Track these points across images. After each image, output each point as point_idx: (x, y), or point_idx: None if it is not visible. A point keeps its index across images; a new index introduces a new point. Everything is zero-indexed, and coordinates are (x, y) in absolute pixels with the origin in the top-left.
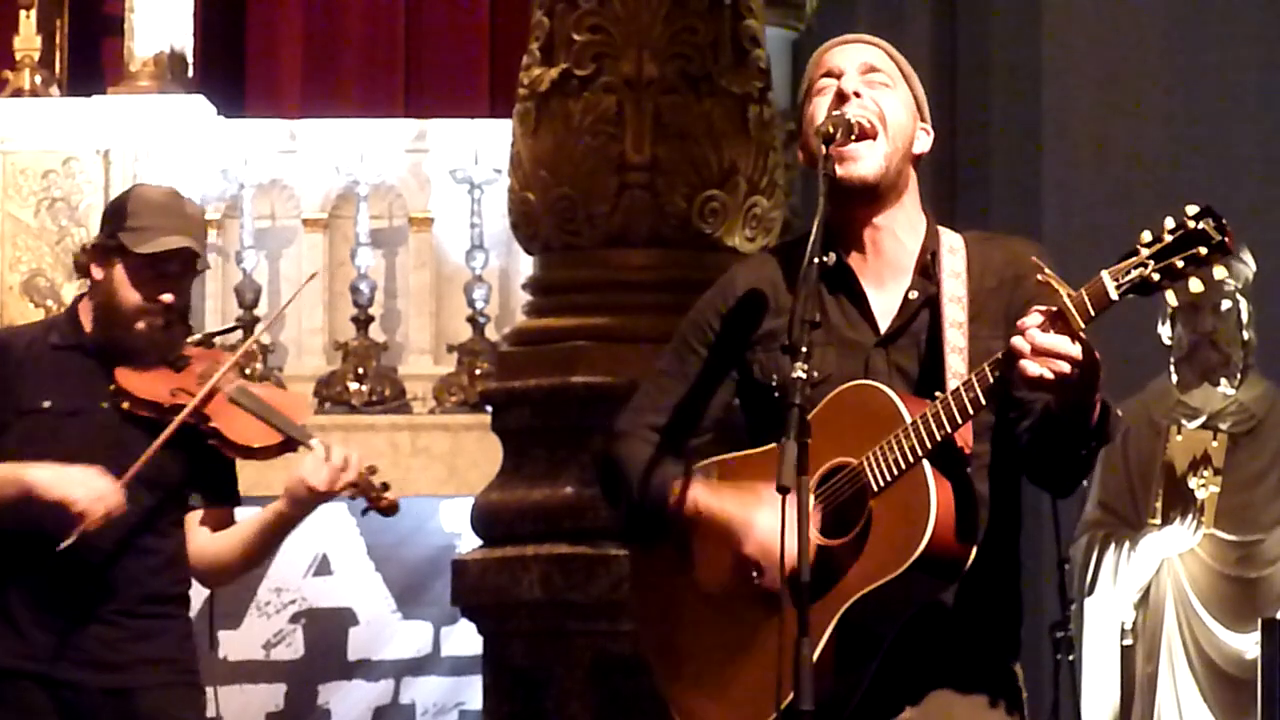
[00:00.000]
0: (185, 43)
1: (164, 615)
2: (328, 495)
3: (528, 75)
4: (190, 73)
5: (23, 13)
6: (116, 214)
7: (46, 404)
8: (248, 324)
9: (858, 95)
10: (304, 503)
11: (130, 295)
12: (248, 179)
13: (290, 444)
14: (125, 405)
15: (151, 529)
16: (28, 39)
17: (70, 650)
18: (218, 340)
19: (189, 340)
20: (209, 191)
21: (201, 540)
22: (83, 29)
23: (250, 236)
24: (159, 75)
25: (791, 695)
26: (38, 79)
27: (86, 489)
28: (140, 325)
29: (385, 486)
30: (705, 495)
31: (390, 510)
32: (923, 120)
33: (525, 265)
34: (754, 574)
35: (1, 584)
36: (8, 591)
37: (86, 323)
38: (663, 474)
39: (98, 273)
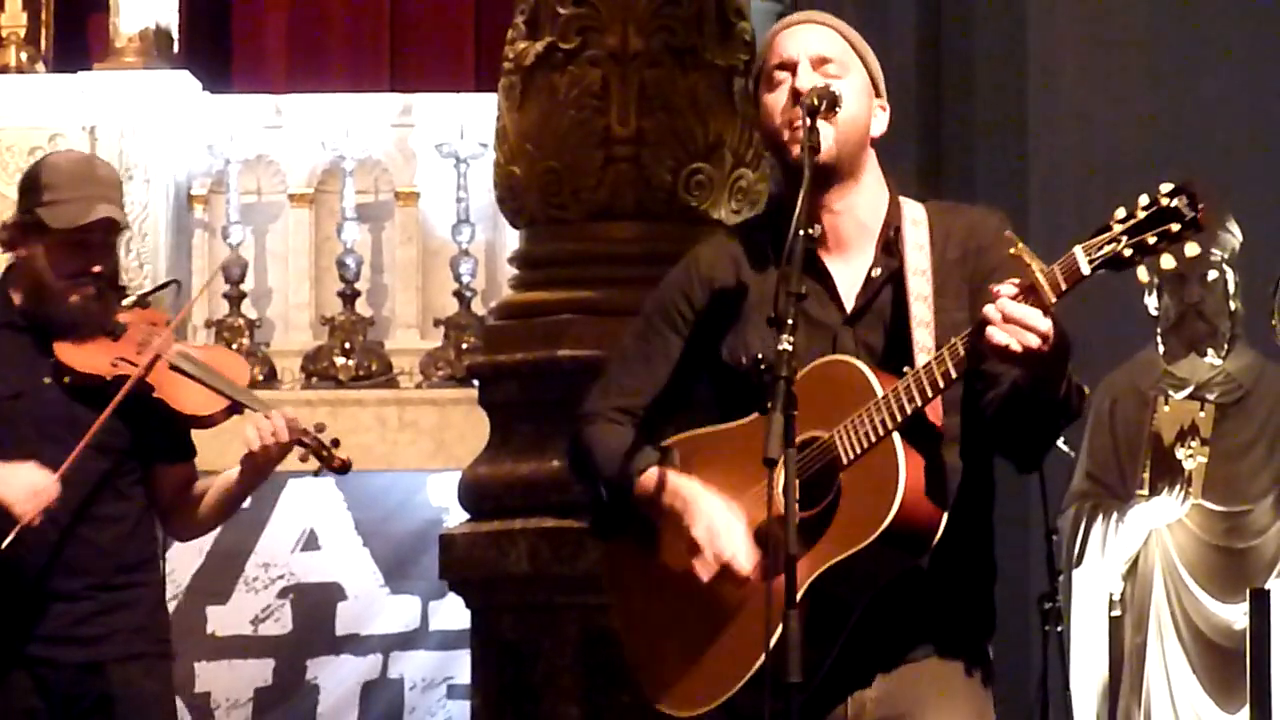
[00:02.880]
0: (170, 19)
1: (136, 584)
2: (275, 458)
3: (513, 49)
4: (176, 49)
5: None
6: (32, 188)
7: None
8: (234, 298)
9: None
10: (257, 468)
11: (59, 270)
12: (234, 154)
13: (236, 407)
14: (68, 380)
15: (111, 495)
16: (13, 16)
17: (44, 628)
18: (152, 299)
19: (122, 304)
20: (195, 167)
21: (168, 497)
22: (68, 6)
23: (236, 212)
24: (144, 51)
25: (760, 662)
26: (23, 56)
27: (18, 491)
28: (73, 298)
29: (335, 443)
30: (663, 481)
31: (344, 468)
32: (879, 96)
33: (511, 239)
34: (695, 559)
35: None
36: None
37: (17, 299)
38: (629, 462)
39: (22, 250)
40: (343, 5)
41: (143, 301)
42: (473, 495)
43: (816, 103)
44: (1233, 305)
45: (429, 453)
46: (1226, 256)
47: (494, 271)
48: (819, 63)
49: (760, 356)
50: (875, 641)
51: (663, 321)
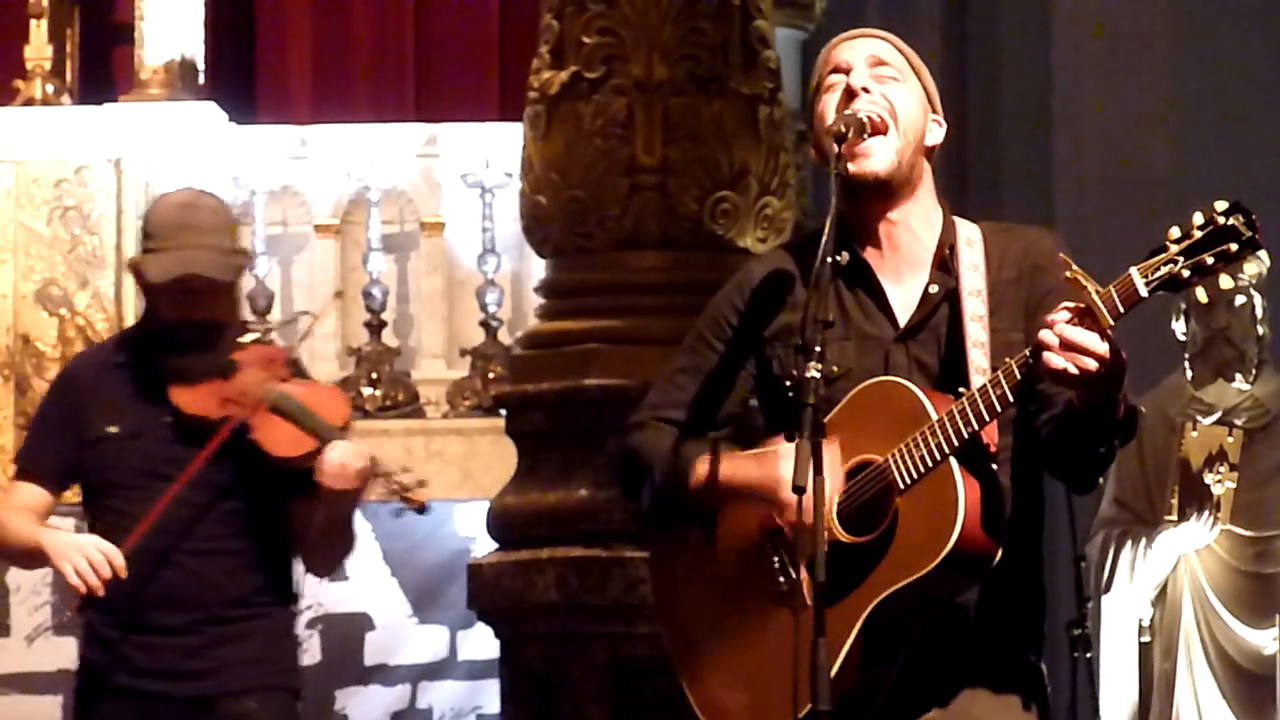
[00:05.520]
0: (196, 50)
1: (251, 616)
2: (344, 495)
3: (538, 78)
4: (201, 80)
5: (33, 22)
6: (143, 230)
7: (112, 429)
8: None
9: (866, 90)
10: (331, 500)
11: (164, 315)
12: (259, 185)
13: (324, 448)
14: (179, 420)
15: (221, 529)
16: (39, 48)
17: (153, 663)
18: (275, 335)
19: (247, 339)
20: (221, 198)
21: (298, 533)
22: (93, 38)
23: (262, 243)
24: (170, 83)
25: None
26: (49, 88)
27: (77, 563)
28: (181, 341)
29: (421, 484)
30: (728, 461)
31: (422, 509)
32: (934, 112)
33: (537, 268)
34: (778, 524)
35: (86, 602)
36: (92, 609)
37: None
38: (683, 452)
39: (140, 291)
40: (367, 36)
41: (265, 338)
42: (500, 525)
43: (844, 129)
44: (1260, 330)
45: (456, 482)
46: (1254, 281)
47: (520, 301)
48: (875, 63)
49: (790, 380)
50: (929, 670)
51: (713, 335)
